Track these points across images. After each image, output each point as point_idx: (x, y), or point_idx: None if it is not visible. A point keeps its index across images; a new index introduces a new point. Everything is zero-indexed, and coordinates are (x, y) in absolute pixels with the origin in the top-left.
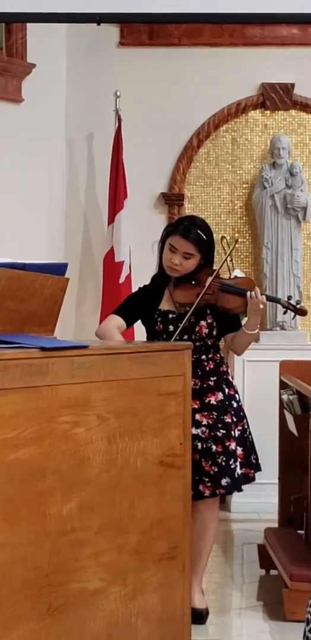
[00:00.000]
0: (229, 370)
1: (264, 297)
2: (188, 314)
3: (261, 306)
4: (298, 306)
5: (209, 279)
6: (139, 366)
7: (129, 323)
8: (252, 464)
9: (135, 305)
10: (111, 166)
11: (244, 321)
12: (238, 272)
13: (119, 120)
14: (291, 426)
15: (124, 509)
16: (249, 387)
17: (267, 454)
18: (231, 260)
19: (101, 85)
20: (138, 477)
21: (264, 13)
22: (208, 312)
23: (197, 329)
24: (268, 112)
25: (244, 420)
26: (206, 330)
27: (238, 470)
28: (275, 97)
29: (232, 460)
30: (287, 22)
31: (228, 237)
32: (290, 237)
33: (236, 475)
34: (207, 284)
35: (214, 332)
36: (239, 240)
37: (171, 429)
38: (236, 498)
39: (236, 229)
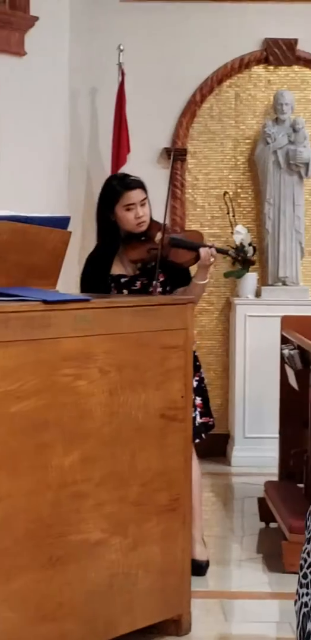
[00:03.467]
0: None
1: (214, 250)
2: (158, 260)
3: (212, 259)
4: (246, 257)
5: (159, 234)
6: (141, 319)
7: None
8: (211, 413)
9: (91, 281)
10: (114, 120)
11: None
12: (239, 228)
13: (122, 74)
14: (292, 381)
15: (125, 462)
16: (251, 342)
17: (268, 409)
18: (234, 216)
19: (104, 39)
20: (139, 429)
21: None
22: (159, 270)
23: (150, 290)
24: (272, 67)
25: (201, 370)
26: (160, 289)
27: (198, 419)
28: (278, 53)
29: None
30: None
31: (231, 193)
32: (292, 193)
33: (196, 424)
34: (157, 239)
35: (168, 289)
36: (241, 195)
37: (172, 382)
38: (236, 452)
39: (238, 185)
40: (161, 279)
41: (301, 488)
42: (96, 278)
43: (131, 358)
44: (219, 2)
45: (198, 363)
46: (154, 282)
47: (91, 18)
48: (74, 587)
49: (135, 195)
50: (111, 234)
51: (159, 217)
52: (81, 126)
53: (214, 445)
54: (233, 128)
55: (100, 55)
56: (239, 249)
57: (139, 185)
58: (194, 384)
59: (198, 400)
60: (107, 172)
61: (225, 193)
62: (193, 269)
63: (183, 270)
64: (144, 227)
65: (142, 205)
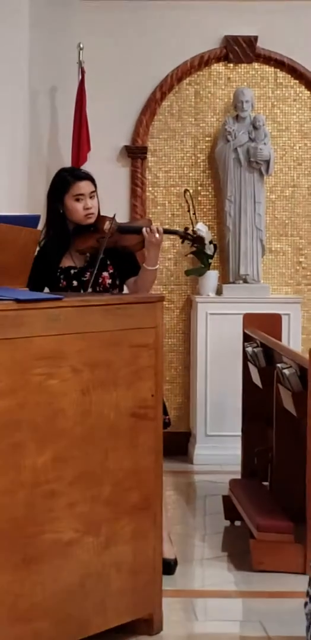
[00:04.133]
0: None
1: (160, 227)
2: (100, 249)
3: (158, 236)
4: (194, 235)
5: (108, 223)
6: (113, 318)
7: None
8: (166, 410)
9: (38, 273)
10: (74, 119)
11: None
12: (200, 226)
13: (82, 72)
14: (256, 378)
15: (97, 461)
16: (212, 340)
17: (229, 407)
18: (194, 214)
19: (64, 37)
20: (111, 429)
21: None
22: (108, 262)
23: (100, 281)
24: (231, 65)
25: None
26: (109, 281)
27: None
28: (238, 50)
29: None
30: None
31: (191, 190)
32: (253, 190)
33: None
34: (106, 227)
35: (118, 282)
36: (202, 193)
37: (143, 381)
38: (198, 450)
39: (199, 182)
40: (110, 271)
41: (266, 486)
42: (45, 271)
43: (103, 357)
44: (179, 0)
45: None
46: (91, 270)
47: (50, 16)
48: (47, 587)
49: (84, 186)
50: (60, 226)
51: (121, 215)
52: (41, 124)
53: (176, 443)
54: (193, 126)
55: (60, 53)
56: (187, 229)
57: (89, 177)
58: None
59: None
60: None
61: (185, 191)
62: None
63: (130, 256)
64: (92, 219)
65: (91, 197)
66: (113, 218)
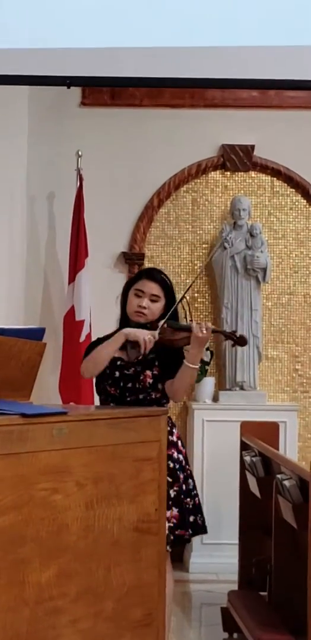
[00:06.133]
0: (174, 431)
1: (209, 324)
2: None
3: (205, 330)
4: (237, 335)
5: (162, 321)
6: (116, 432)
7: None
8: (189, 525)
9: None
10: (72, 225)
11: None
12: None
13: (81, 179)
14: (254, 488)
15: (100, 576)
16: (209, 447)
17: (226, 514)
18: (191, 320)
19: (62, 144)
20: (114, 543)
21: (224, 78)
22: (156, 363)
23: (142, 378)
24: (228, 173)
25: (185, 480)
26: (150, 381)
27: (166, 531)
28: (235, 159)
29: None
30: (246, 87)
31: (188, 297)
32: (249, 297)
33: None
34: (160, 324)
35: (159, 386)
36: (198, 299)
37: (146, 495)
38: (194, 558)
39: (195, 289)
40: (155, 372)
41: (264, 597)
42: None
43: (107, 471)
44: (177, 109)
45: (178, 474)
46: (135, 367)
47: (49, 123)
48: None
49: (149, 284)
50: (122, 316)
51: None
52: (39, 230)
53: (171, 551)
54: (190, 233)
55: (59, 160)
56: (235, 331)
57: (158, 279)
58: (172, 494)
59: (175, 512)
60: (65, 277)
61: (182, 297)
62: None
63: (176, 357)
64: (141, 319)
65: (152, 300)
66: (167, 318)
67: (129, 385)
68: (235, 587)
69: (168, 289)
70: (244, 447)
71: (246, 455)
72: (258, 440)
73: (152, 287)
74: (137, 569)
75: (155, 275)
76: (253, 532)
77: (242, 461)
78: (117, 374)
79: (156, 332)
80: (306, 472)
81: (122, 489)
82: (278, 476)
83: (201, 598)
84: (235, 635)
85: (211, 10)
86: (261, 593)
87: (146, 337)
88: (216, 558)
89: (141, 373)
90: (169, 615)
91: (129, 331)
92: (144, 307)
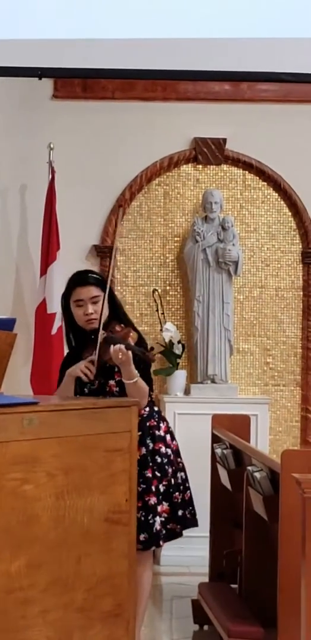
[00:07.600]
0: (162, 425)
1: (123, 347)
2: (96, 358)
3: (120, 356)
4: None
5: (100, 333)
6: (88, 422)
7: None
8: (179, 519)
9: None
10: (43, 217)
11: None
12: (169, 326)
13: (53, 172)
14: (225, 480)
15: (71, 567)
16: (180, 440)
17: (197, 507)
18: (163, 313)
19: (34, 137)
20: (85, 534)
21: (197, 70)
22: (116, 369)
23: (107, 389)
24: (200, 166)
25: (174, 474)
26: (117, 389)
27: (157, 526)
28: (207, 152)
29: (151, 515)
30: (218, 79)
31: (160, 290)
32: (221, 290)
33: (154, 531)
34: (99, 339)
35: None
36: (170, 293)
37: (117, 486)
38: (165, 551)
39: (167, 282)
40: (117, 379)
41: (235, 589)
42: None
43: (78, 461)
44: (149, 102)
45: (167, 467)
46: (99, 380)
47: (21, 116)
48: None
49: (84, 291)
50: (72, 331)
51: None
52: (10, 223)
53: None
54: (162, 226)
55: (30, 152)
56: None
57: (91, 282)
58: (162, 488)
59: (165, 506)
60: (37, 269)
61: (154, 290)
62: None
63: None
64: (94, 325)
65: (94, 302)
66: (101, 325)
67: (100, 397)
68: (206, 579)
69: (100, 282)
70: (215, 439)
71: (217, 448)
72: (229, 433)
73: (89, 291)
74: (107, 559)
75: (85, 278)
76: (224, 524)
77: (213, 454)
78: (86, 390)
79: (95, 354)
80: (276, 464)
81: (93, 479)
82: (249, 468)
83: (172, 590)
84: (206, 627)
85: (183, 3)
86: (232, 585)
87: (82, 368)
88: (187, 551)
89: (105, 384)
90: (144, 610)
91: (71, 371)
92: (91, 313)
